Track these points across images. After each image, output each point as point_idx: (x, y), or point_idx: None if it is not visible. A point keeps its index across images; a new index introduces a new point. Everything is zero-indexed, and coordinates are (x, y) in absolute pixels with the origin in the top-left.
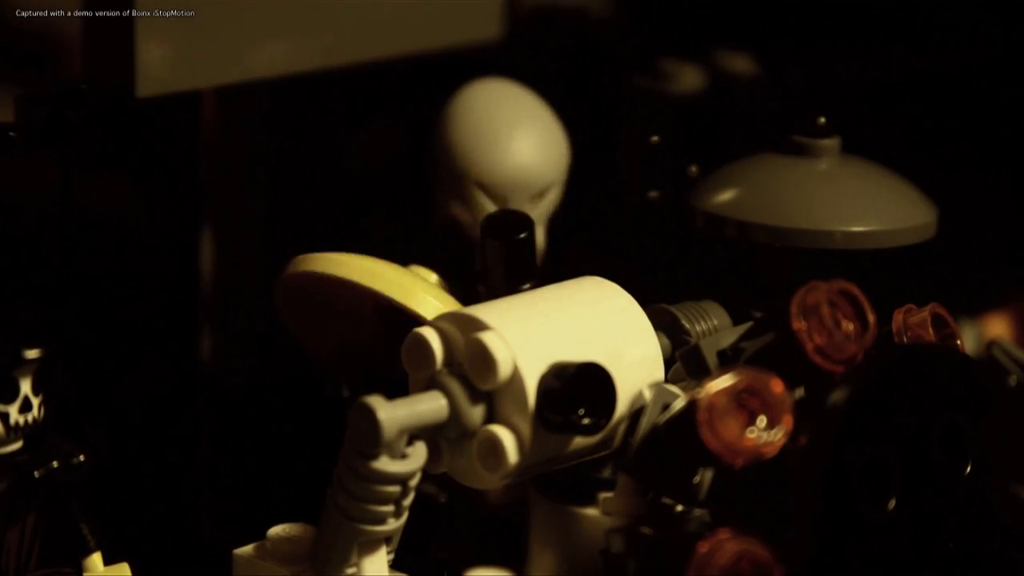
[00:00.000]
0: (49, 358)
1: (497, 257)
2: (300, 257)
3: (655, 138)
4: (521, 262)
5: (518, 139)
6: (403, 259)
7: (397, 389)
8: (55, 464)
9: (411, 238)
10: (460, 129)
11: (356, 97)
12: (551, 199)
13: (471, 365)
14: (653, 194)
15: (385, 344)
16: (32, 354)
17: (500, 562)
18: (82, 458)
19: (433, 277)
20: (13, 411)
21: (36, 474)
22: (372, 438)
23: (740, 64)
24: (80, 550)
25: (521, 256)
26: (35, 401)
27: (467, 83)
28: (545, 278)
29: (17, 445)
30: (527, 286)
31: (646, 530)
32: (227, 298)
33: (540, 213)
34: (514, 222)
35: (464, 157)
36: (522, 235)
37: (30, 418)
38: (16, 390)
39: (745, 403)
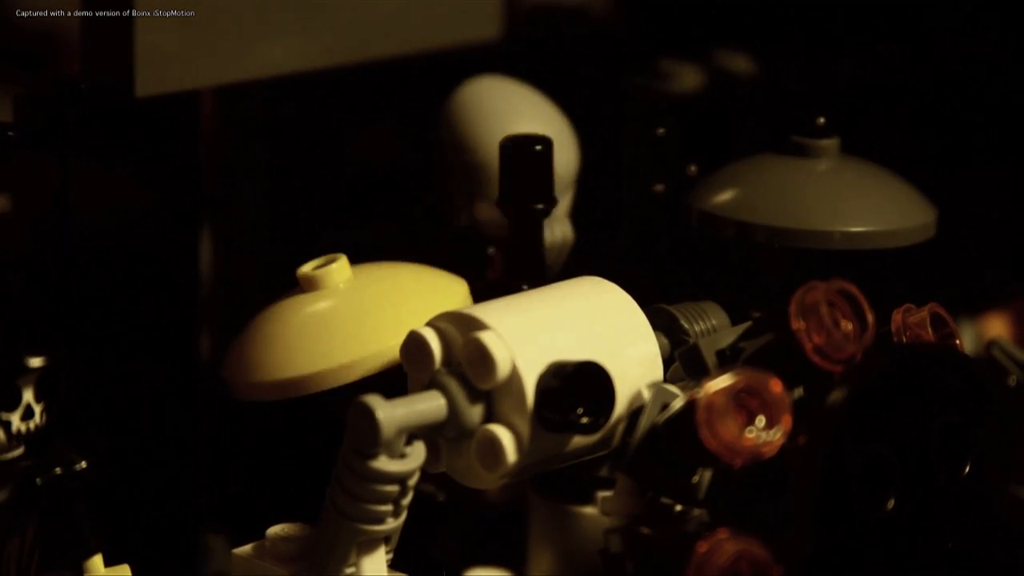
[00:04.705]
0: (52, 366)
1: (514, 171)
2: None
3: (661, 130)
4: (536, 178)
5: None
6: (409, 257)
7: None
8: (57, 471)
9: (417, 235)
10: (468, 121)
11: (356, 97)
12: (562, 203)
13: (470, 364)
14: (659, 187)
15: None
16: (35, 362)
17: (500, 562)
18: (84, 465)
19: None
20: (15, 419)
21: (38, 481)
22: (370, 437)
23: (740, 64)
24: (81, 552)
25: (536, 171)
26: (37, 408)
27: (471, 78)
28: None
29: (19, 452)
30: (540, 207)
31: (645, 530)
32: (227, 298)
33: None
34: (532, 137)
35: (470, 150)
36: (538, 147)
37: (32, 425)
38: (19, 398)
39: (744, 403)
